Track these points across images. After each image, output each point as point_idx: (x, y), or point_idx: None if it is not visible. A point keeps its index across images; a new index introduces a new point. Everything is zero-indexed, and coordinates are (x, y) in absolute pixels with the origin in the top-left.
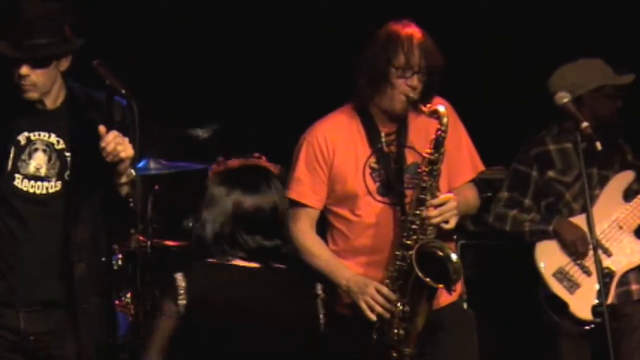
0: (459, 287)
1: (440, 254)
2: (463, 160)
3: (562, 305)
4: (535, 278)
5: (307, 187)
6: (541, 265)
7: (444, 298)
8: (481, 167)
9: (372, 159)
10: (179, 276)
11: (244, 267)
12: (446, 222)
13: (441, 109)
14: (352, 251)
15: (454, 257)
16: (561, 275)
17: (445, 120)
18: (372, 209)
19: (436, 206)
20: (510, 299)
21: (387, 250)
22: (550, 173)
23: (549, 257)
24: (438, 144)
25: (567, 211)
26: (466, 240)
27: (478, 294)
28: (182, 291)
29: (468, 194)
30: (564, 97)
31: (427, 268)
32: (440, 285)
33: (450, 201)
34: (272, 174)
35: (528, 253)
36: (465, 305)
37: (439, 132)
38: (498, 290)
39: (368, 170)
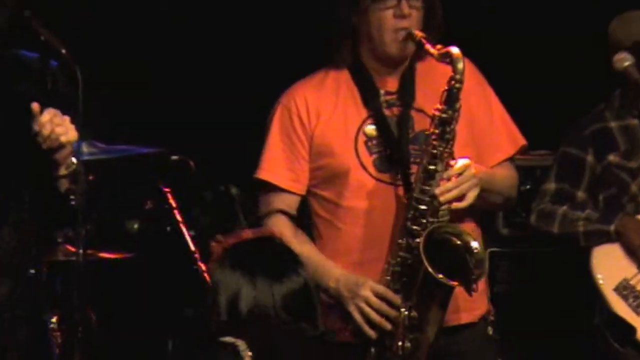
0: (482, 304)
1: (457, 241)
2: (496, 132)
3: (626, 330)
4: (591, 295)
5: (282, 166)
6: (599, 277)
7: (462, 316)
8: (522, 141)
9: (368, 124)
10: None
11: None
12: (461, 198)
13: (454, 50)
14: (342, 246)
15: (474, 244)
16: (626, 290)
17: (460, 65)
18: (367, 190)
19: (449, 178)
20: (555, 323)
21: (387, 243)
22: (611, 157)
23: (610, 267)
24: (451, 97)
25: (633, 207)
26: (498, 246)
27: (511, 317)
28: None
29: (501, 171)
30: (625, 60)
31: (440, 261)
32: (457, 283)
33: (468, 169)
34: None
35: (582, 262)
36: (490, 331)
37: (452, 82)
38: (539, 312)
39: (362, 139)
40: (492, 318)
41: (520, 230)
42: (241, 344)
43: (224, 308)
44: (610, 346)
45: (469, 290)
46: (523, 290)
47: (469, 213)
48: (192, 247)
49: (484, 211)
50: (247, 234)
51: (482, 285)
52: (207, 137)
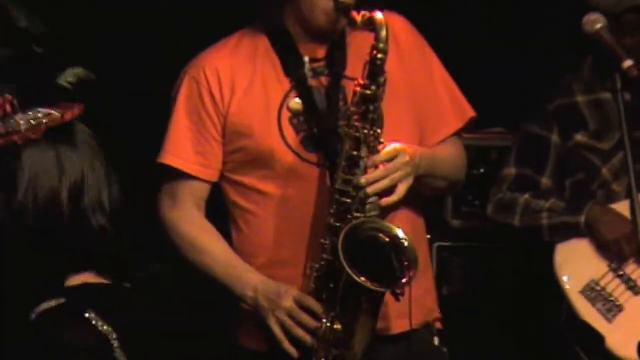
0: (425, 309)
1: (384, 238)
2: (439, 102)
3: (594, 338)
4: (554, 298)
5: (189, 149)
6: (564, 278)
7: (397, 324)
8: (470, 112)
9: (293, 98)
10: None
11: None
12: (390, 191)
13: (378, 16)
14: (262, 244)
15: (400, 235)
16: (594, 292)
17: (383, 33)
18: (293, 174)
19: (377, 165)
20: (516, 330)
21: (311, 239)
22: (579, 137)
23: (577, 266)
24: (374, 70)
25: (604, 194)
26: (447, 240)
27: (463, 324)
28: None
29: (446, 151)
30: (596, 22)
31: (365, 263)
32: (380, 288)
33: (400, 155)
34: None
35: (544, 260)
36: (436, 341)
37: (375, 53)
38: (496, 317)
39: (286, 115)
40: (438, 325)
41: (473, 221)
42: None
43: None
44: (576, 356)
45: (395, 294)
46: (478, 292)
47: (407, 201)
48: None
49: (427, 197)
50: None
51: (426, 284)
52: None
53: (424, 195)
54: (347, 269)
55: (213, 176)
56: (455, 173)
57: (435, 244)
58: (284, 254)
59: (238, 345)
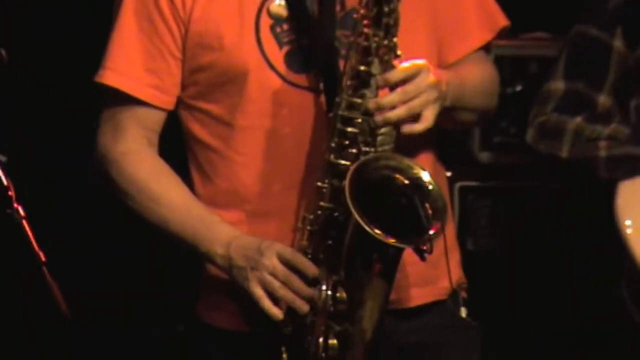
0: (450, 274)
1: (402, 179)
2: (462, 9)
3: None
4: (613, 250)
5: (138, 64)
6: (627, 224)
7: (416, 293)
8: (502, 20)
9: (274, 1)
10: None
11: None
12: (416, 118)
13: None
14: (237, 193)
15: (425, 177)
16: None
17: None
18: (276, 100)
19: (392, 86)
20: (561, 297)
21: (302, 186)
22: None
23: None
24: None
25: None
26: (473, 180)
27: (495, 291)
28: None
29: (474, 74)
30: None
31: (378, 211)
32: (400, 244)
33: (422, 73)
34: None
35: (601, 203)
36: (464, 313)
37: None
38: (530, 281)
39: (266, 22)
40: (464, 294)
41: (507, 154)
42: None
43: None
44: (635, 318)
45: (421, 253)
46: (512, 247)
47: (424, 136)
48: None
49: (449, 130)
50: None
51: (448, 241)
52: None
53: (447, 129)
54: (357, 217)
55: (169, 103)
56: (487, 102)
57: (458, 184)
58: (266, 204)
59: (199, 322)
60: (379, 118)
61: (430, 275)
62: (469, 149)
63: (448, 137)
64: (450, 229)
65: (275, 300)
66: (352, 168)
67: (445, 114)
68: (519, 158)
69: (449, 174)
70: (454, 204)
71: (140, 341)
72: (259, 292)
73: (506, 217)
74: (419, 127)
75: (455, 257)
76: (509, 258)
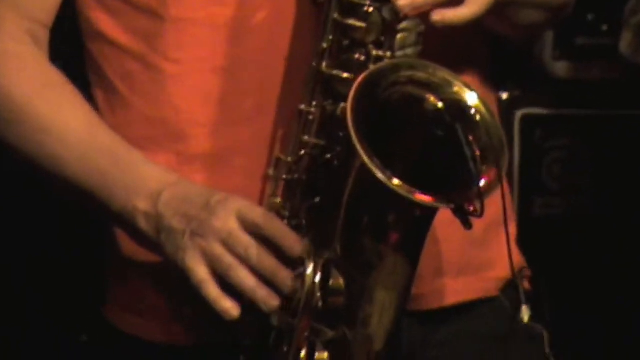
0: (513, 254)
1: (434, 101)
2: None
3: None
4: None
5: None
6: None
7: (453, 286)
8: None
9: None
10: None
11: None
12: (455, 1)
13: None
14: (162, 119)
15: (473, 100)
16: None
17: None
18: None
19: None
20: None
21: (277, 108)
22: None
23: None
24: None
25: None
26: (542, 106)
27: (571, 285)
28: None
29: None
30: None
31: (395, 150)
32: (431, 201)
33: None
34: None
35: None
36: (525, 314)
37: None
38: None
39: None
40: (527, 285)
41: (595, 65)
42: None
43: None
44: None
45: (465, 216)
46: (603, 211)
47: (468, 36)
48: None
49: (507, 40)
50: None
51: (506, 203)
52: None
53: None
54: (365, 159)
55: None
56: None
57: (519, 112)
58: (214, 141)
59: (109, 329)
60: (404, 2)
61: (475, 257)
62: (535, 57)
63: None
64: (506, 185)
65: (229, 286)
66: (356, 83)
67: (502, 13)
68: (613, 70)
69: (505, 95)
70: (514, 142)
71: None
72: (201, 271)
73: (594, 164)
74: (463, 11)
75: (511, 229)
76: (598, 228)
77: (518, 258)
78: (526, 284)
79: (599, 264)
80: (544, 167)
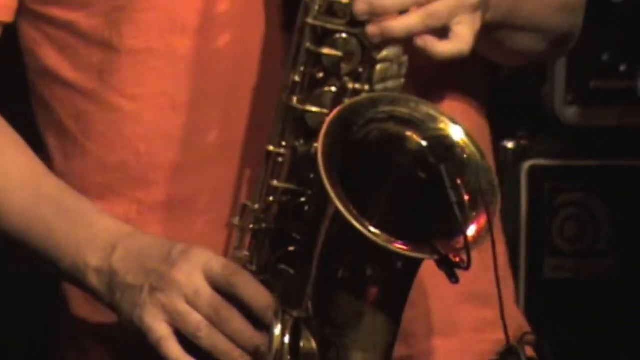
0: (511, 314)
1: (416, 139)
2: None
3: None
4: None
5: None
6: None
7: (446, 347)
8: None
9: None
10: None
11: None
12: (442, 35)
13: None
14: (119, 163)
15: (459, 136)
16: None
17: None
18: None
19: None
20: None
21: (243, 149)
22: None
23: None
24: None
25: None
26: (552, 155)
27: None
28: None
29: None
30: None
31: (374, 195)
32: (417, 252)
33: None
34: None
35: None
36: None
37: None
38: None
39: None
40: (530, 354)
41: (611, 110)
42: None
43: None
44: None
45: (451, 268)
46: (622, 273)
47: (460, 71)
48: None
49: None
50: None
51: (499, 257)
52: None
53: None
54: (339, 205)
55: (7, 15)
56: (564, 18)
57: (527, 164)
58: (175, 185)
59: None
60: (374, 30)
61: (471, 316)
62: (545, 101)
63: (507, 79)
64: (500, 233)
65: (190, 345)
66: (329, 119)
67: (493, 34)
68: (631, 116)
69: (510, 144)
70: (521, 196)
71: None
72: (161, 328)
73: (611, 222)
74: (447, 47)
75: (508, 286)
76: (614, 294)
77: (520, 321)
78: (529, 351)
79: (613, 334)
80: (554, 225)
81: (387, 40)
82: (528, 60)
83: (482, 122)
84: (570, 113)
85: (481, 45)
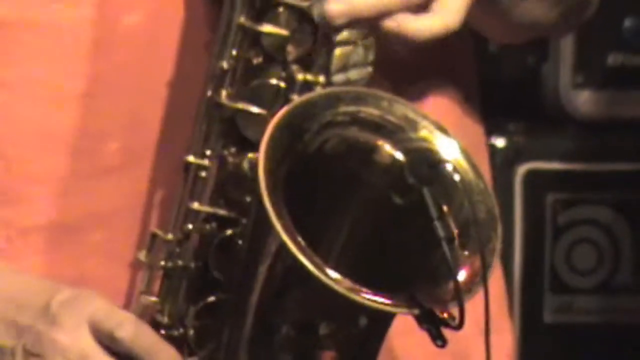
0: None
1: (388, 152)
2: None
3: None
4: None
5: None
6: None
7: None
8: None
9: None
10: None
11: None
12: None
13: None
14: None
15: (448, 149)
16: None
17: None
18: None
19: None
20: None
21: (152, 163)
22: None
23: None
24: None
25: None
26: (548, 160)
27: None
28: None
29: None
30: None
31: (334, 227)
32: (392, 306)
33: None
34: None
35: None
36: None
37: None
38: None
39: None
40: None
41: (633, 92)
42: None
43: None
44: None
45: (436, 328)
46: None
47: (444, 54)
48: None
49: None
50: None
51: (494, 304)
52: None
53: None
54: (285, 239)
55: None
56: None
57: (521, 167)
58: (62, 211)
59: None
60: (337, 7)
61: None
62: (546, 85)
63: (494, 56)
64: (500, 277)
65: None
66: (272, 122)
67: (491, 4)
68: None
69: (501, 142)
70: (514, 211)
71: None
72: None
73: (635, 248)
74: (427, 23)
75: (506, 339)
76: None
77: None
78: None
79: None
80: (558, 250)
81: (353, 21)
82: (531, 36)
83: (476, 127)
84: (581, 100)
85: (474, 17)
